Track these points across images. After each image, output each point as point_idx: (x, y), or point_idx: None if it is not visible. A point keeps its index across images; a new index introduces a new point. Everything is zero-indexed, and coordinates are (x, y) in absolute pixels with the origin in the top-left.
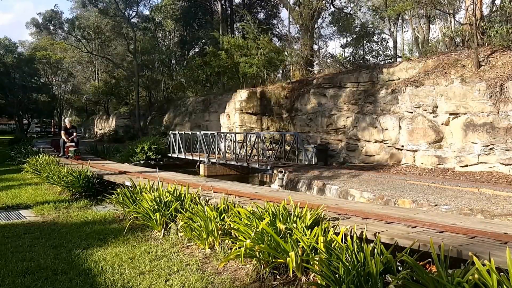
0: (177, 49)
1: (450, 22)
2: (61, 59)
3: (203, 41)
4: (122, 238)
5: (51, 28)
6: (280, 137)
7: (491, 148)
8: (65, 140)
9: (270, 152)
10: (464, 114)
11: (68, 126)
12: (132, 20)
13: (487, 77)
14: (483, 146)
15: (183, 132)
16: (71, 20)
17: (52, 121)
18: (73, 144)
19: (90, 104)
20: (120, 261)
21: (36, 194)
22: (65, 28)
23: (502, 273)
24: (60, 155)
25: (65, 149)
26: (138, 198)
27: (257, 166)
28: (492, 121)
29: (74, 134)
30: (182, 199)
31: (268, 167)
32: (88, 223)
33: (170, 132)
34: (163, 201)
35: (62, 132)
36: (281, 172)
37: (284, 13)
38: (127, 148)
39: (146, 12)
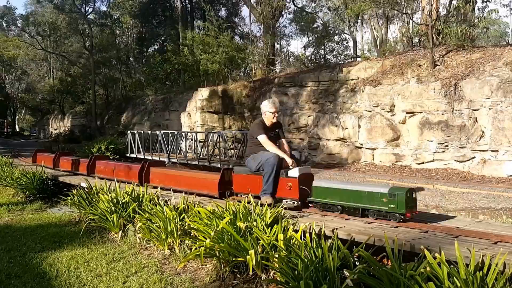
0: (136, 46)
1: (408, 23)
2: (15, 56)
3: (163, 38)
4: (78, 240)
5: (4, 24)
6: (242, 136)
7: (446, 146)
8: (285, 157)
9: (232, 151)
10: (420, 112)
11: (271, 123)
12: (89, 16)
13: (442, 76)
14: (438, 143)
15: (142, 132)
16: (25, 17)
17: (5, 121)
18: (306, 170)
19: (44, 103)
20: (76, 264)
21: None
22: (19, 25)
23: (452, 266)
24: (268, 201)
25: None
26: (94, 200)
27: (219, 165)
28: (446, 119)
29: (284, 142)
30: (140, 199)
31: (230, 166)
32: (43, 225)
33: (129, 131)
34: (120, 202)
35: (263, 136)
36: None
37: (245, 11)
38: (83, 148)
39: (104, 8)
